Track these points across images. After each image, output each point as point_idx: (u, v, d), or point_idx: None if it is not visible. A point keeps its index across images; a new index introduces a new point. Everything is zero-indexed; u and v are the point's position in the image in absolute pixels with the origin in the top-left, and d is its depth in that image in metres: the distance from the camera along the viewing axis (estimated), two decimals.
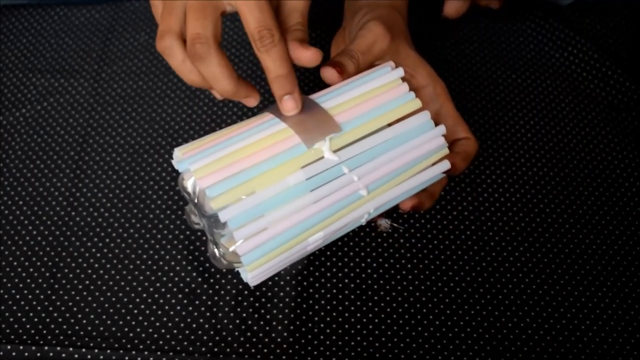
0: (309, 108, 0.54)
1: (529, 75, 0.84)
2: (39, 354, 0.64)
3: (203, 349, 0.65)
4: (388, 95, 0.56)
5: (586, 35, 0.86)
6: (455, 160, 0.60)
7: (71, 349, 0.64)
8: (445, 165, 0.58)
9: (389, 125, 0.56)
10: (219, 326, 0.66)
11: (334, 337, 0.66)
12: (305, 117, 0.53)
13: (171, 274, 0.69)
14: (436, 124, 0.57)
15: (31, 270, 0.69)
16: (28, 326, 0.66)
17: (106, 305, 0.67)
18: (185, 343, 0.65)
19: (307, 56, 0.53)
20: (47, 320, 0.66)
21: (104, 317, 0.66)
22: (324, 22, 0.87)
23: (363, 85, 0.56)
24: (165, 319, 0.66)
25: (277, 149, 0.52)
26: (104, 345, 0.65)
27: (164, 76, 0.81)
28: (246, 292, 0.68)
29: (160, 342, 0.65)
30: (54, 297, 0.67)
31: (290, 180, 0.52)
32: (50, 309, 0.67)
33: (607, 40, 0.87)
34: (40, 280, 0.68)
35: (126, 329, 0.66)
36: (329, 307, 0.68)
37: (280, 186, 0.51)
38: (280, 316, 0.67)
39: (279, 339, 0.65)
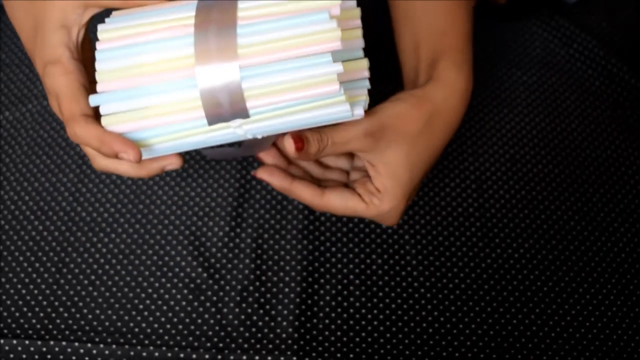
0: (222, 32, 0.48)
1: (535, 72, 0.83)
2: (44, 349, 0.64)
3: (208, 344, 0.65)
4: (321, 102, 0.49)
5: (592, 33, 0.86)
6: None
7: (77, 343, 0.64)
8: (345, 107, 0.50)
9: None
10: (223, 321, 0.66)
11: (338, 333, 0.66)
12: (212, 46, 0.48)
13: (176, 269, 0.69)
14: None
15: (37, 265, 0.68)
16: (34, 321, 0.65)
17: (112, 300, 0.67)
18: (191, 338, 0.65)
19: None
20: (53, 315, 0.66)
21: (110, 312, 0.66)
22: None
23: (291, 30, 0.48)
24: (170, 314, 0.66)
25: (178, 119, 0.50)
26: (109, 340, 0.64)
27: None
28: (251, 288, 0.68)
29: (166, 337, 0.65)
30: (59, 292, 0.67)
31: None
32: (56, 303, 0.66)
33: (612, 37, 0.86)
34: (46, 275, 0.68)
35: (131, 324, 0.65)
36: (333, 303, 0.67)
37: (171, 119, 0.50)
38: (285, 312, 0.66)
39: (283, 335, 0.65)
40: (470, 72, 0.60)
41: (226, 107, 0.48)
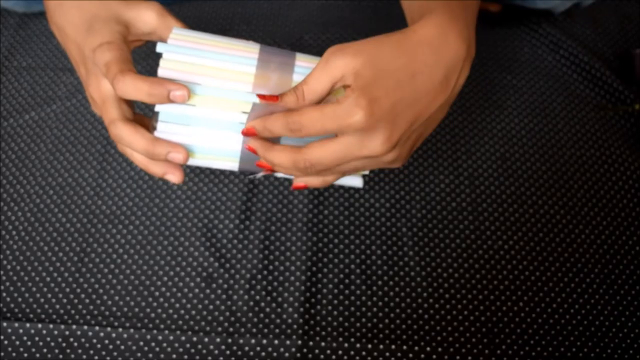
0: (283, 67, 0.52)
1: (524, 76, 0.83)
2: (67, 332, 0.64)
3: (219, 328, 0.65)
4: None
5: (577, 40, 0.86)
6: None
7: (97, 327, 0.64)
8: (358, 181, 0.58)
9: None
10: (233, 308, 0.66)
11: (340, 319, 0.66)
12: (275, 76, 0.51)
13: (190, 259, 0.69)
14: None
15: (61, 254, 0.69)
16: (58, 306, 0.66)
17: (129, 287, 0.67)
18: (203, 323, 0.65)
19: None
20: (75, 301, 0.66)
21: (128, 298, 0.66)
22: (333, 25, 0.87)
23: None
24: (184, 300, 0.66)
25: (231, 86, 0.51)
26: (127, 324, 0.65)
27: None
28: (259, 277, 0.68)
29: (180, 322, 0.65)
30: (81, 280, 0.67)
31: (227, 116, 0.51)
32: (78, 290, 0.67)
33: (596, 44, 0.86)
34: (69, 264, 0.68)
35: (148, 310, 0.66)
36: (335, 291, 0.67)
37: (217, 114, 0.51)
38: (291, 299, 0.67)
39: (289, 320, 0.65)
40: (458, 14, 0.52)
41: (274, 79, 0.51)
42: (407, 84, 0.49)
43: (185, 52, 0.51)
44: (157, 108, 0.51)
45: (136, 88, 0.49)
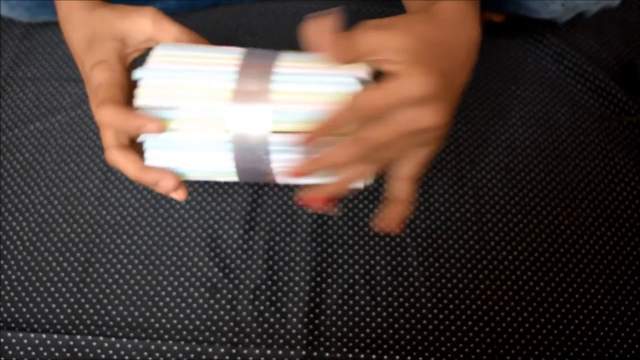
0: (261, 76, 0.50)
1: (528, 87, 0.83)
2: (71, 342, 0.64)
3: (223, 339, 0.65)
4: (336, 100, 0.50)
5: (581, 50, 0.86)
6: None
7: (101, 338, 0.64)
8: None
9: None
10: (238, 318, 0.66)
11: (344, 329, 0.66)
12: (254, 88, 0.50)
13: (194, 269, 0.69)
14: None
15: (65, 265, 0.69)
16: (62, 317, 0.66)
17: (134, 298, 0.67)
18: (207, 334, 0.65)
19: None
20: (80, 311, 0.66)
21: (132, 309, 0.66)
22: None
23: (320, 86, 0.50)
24: (188, 311, 0.66)
25: (209, 105, 0.50)
26: (131, 335, 0.65)
27: None
28: (263, 287, 0.68)
29: (184, 333, 0.65)
30: (85, 290, 0.67)
31: (211, 136, 0.50)
32: (82, 301, 0.67)
33: (600, 55, 0.86)
34: (73, 274, 0.68)
35: (152, 320, 0.66)
36: (340, 302, 0.67)
37: (201, 136, 0.50)
38: (295, 309, 0.66)
39: (293, 330, 0.65)
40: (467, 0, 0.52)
41: (253, 91, 0.49)
42: (445, 57, 0.48)
43: (163, 74, 0.50)
44: (141, 138, 0.51)
45: (113, 120, 0.49)
